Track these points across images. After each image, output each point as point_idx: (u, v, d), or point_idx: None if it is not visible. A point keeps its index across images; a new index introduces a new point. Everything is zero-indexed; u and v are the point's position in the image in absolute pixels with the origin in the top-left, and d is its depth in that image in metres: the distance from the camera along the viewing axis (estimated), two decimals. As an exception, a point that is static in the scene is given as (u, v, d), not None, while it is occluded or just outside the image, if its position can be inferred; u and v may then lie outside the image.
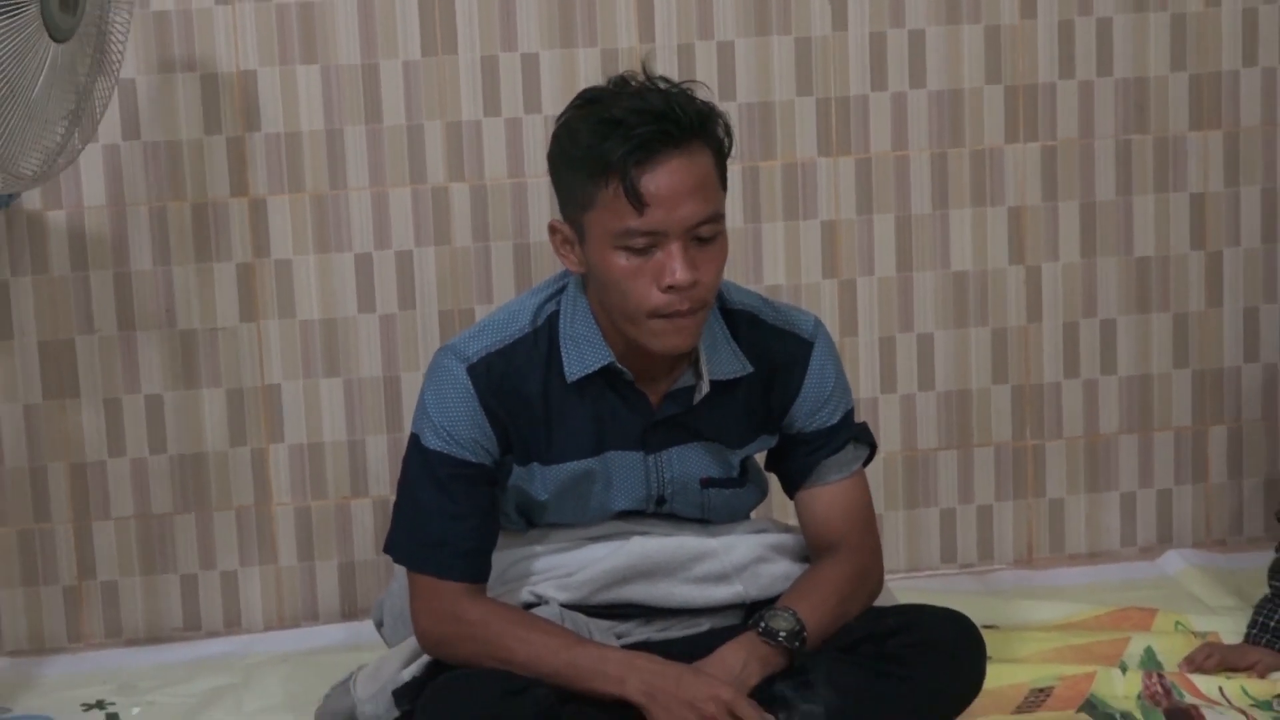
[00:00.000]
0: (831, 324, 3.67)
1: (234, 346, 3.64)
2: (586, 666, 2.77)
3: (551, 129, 2.82)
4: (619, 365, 2.80)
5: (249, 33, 3.54)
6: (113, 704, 3.36)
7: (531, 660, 2.78)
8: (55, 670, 3.55)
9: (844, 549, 2.94)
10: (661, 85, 2.74)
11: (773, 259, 3.74)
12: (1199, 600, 3.63)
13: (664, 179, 2.66)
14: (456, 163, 3.63)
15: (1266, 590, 3.32)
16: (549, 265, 3.62)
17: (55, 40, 2.84)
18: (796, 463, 2.95)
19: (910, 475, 3.83)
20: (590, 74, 3.61)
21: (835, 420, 2.93)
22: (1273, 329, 3.87)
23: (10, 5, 2.73)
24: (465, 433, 2.80)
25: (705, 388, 2.82)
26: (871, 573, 2.96)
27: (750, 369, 2.85)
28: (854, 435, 2.96)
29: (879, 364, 3.80)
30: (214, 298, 3.61)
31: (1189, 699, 3.17)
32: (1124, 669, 3.30)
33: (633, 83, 2.76)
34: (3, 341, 3.57)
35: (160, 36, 3.43)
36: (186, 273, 3.59)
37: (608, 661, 2.78)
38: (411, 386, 3.58)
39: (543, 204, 3.63)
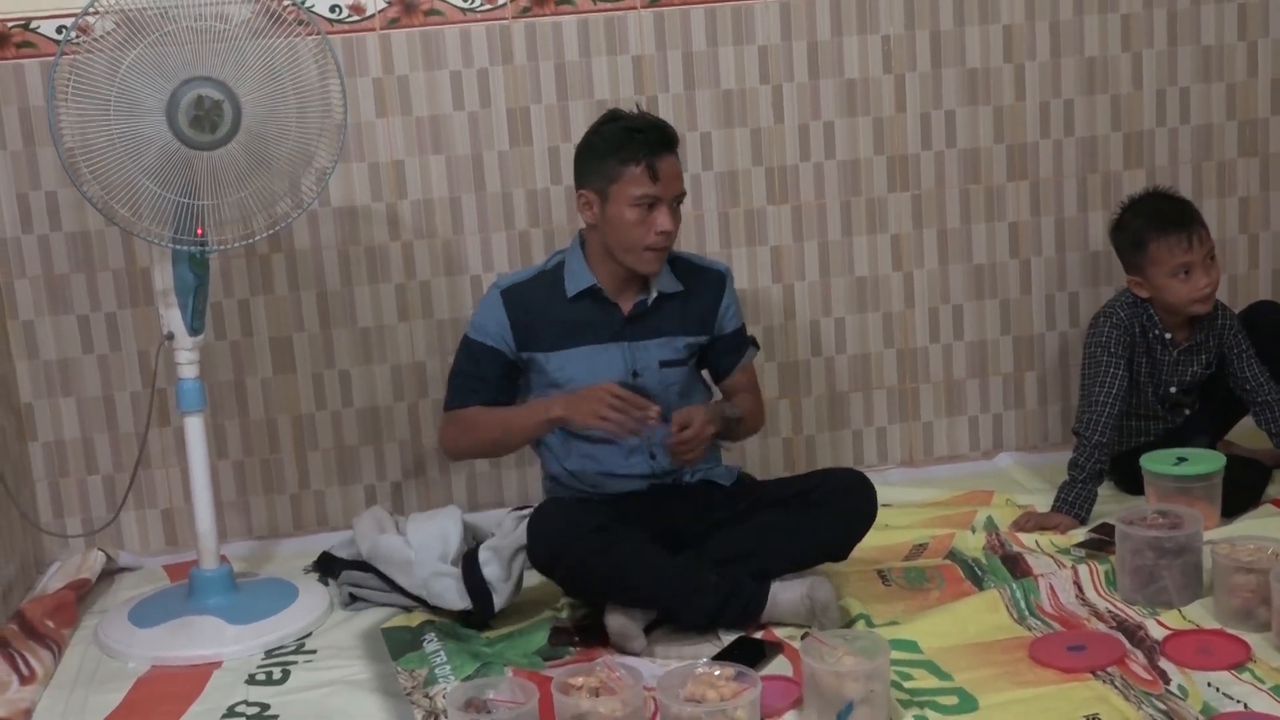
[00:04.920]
0: (777, 314, 3.73)
1: (395, 337, 3.63)
2: (523, 414, 3.02)
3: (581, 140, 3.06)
4: (599, 285, 3.03)
5: (398, 135, 3.55)
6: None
7: (493, 425, 3.03)
8: (285, 549, 3.57)
9: (752, 408, 3.23)
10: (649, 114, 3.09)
11: (739, 272, 3.67)
12: (1021, 484, 3.61)
13: (665, 165, 2.96)
14: (534, 215, 3.62)
15: (1066, 477, 3.32)
16: None
17: (198, 149, 2.83)
18: (722, 360, 3.19)
19: (832, 408, 3.81)
20: None
21: (739, 325, 3.19)
22: (1064, 310, 3.85)
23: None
24: (494, 329, 3.03)
25: (654, 296, 3.05)
26: (759, 416, 3.28)
27: (681, 287, 3.09)
28: (750, 339, 3.23)
29: (809, 339, 3.76)
30: (380, 306, 3.61)
31: (1016, 549, 3.18)
32: (973, 530, 3.31)
33: (634, 110, 3.11)
34: (246, 338, 3.58)
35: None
36: (363, 290, 3.59)
37: (537, 405, 3.00)
38: None
39: None
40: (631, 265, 3.00)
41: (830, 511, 2.93)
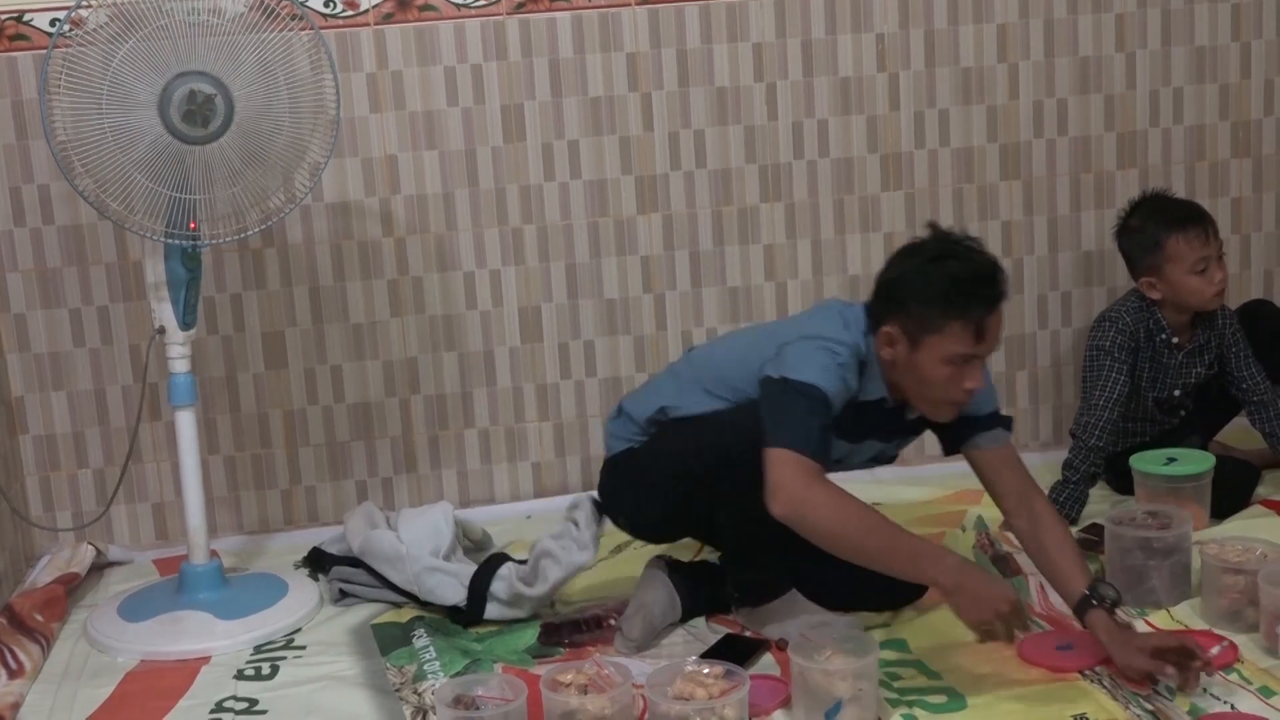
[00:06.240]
0: (770, 312, 3.73)
1: (387, 333, 3.62)
2: (912, 550, 2.56)
3: (890, 260, 2.74)
4: (887, 399, 2.75)
5: (392, 131, 3.55)
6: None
7: (876, 529, 2.55)
8: (275, 544, 3.56)
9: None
10: (973, 244, 2.67)
11: (733, 269, 3.70)
12: (1011, 484, 3.65)
13: (992, 324, 2.62)
14: (527, 212, 3.62)
15: (1058, 477, 3.33)
16: (578, 276, 3.66)
17: (191, 144, 2.81)
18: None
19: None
20: (612, 153, 3.60)
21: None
22: (1056, 309, 3.85)
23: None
24: (843, 393, 2.65)
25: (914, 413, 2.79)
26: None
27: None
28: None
29: None
30: (373, 301, 3.60)
31: (1006, 548, 3.16)
32: (964, 529, 3.32)
33: (955, 239, 2.69)
34: (238, 333, 3.57)
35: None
36: (356, 285, 3.59)
37: (923, 551, 2.57)
38: (470, 360, 3.66)
39: (583, 237, 3.62)
40: (925, 411, 2.75)
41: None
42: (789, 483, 2.52)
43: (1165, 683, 2.55)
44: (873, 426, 2.79)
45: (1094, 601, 2.60)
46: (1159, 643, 2.56)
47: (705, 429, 2.72)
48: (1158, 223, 3.38)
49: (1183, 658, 2.52)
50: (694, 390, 2.82)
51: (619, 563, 3.29)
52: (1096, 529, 3.19)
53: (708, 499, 2.74)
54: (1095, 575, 2.66)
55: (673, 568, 2.98)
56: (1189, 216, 3.36)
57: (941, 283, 2.60)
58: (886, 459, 2.96)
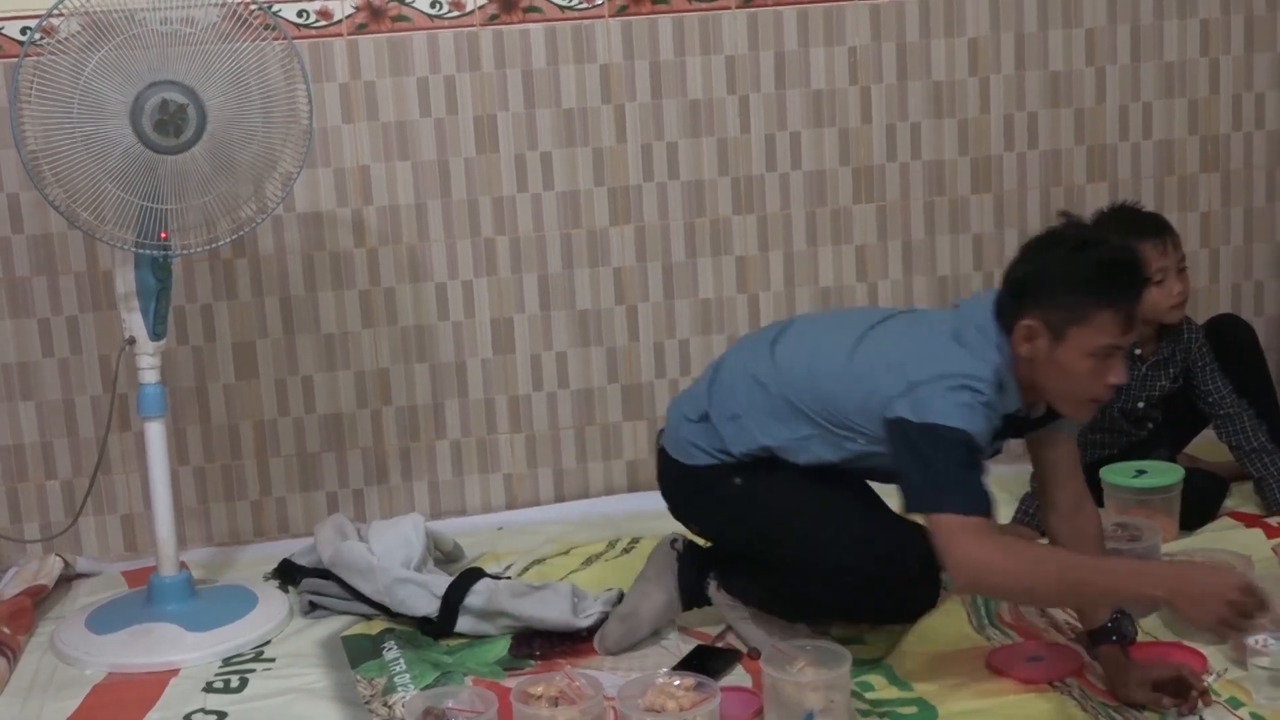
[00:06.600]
0: (743, 324, 3.74)
1: (359, 343, 3.62)
2: (1113, 574, 2.48)
3: (1020, 251, 2.61)
4: (1020, 409, 2.61)
5: (364, 141, 3.54)
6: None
7: (1075, 568, 2.47)
8: (245, 555, 3.54)
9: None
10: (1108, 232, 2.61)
11: (704, 280, 3.71)
12: (982, 496, 3.64)
13: (1139, 310, 2.52)
14: (500, 223, 3.62)
15: (1029, 489, 3.32)
16: (551, 287, 3.67)
17: (162, 154, 2.80)
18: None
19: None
20: (585, 164, 3.60)
21: None
22: None
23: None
24: (986, 436, 2.51)
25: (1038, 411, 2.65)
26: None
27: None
28: None
29: None
30: (344, 311, 3.60)
31: None
32: None
33: (1091, 227, 2.61)
34: (208, 343, 3.56)
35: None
36: (327, 296, 3.57)
37: (1124, 571, 2.50)
38: (442, 371, 3.65)
39: (556, 249, 3.63)
40: (1063, 409, 2.60)
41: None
42: (969, 556, 2.39)
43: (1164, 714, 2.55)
44: (997, 436, 2.65)
45: (1114, 637, 2.59)
46: (1157, 675, 2.56)
47: (830, 526, 2.64)
48: (1117, 232, 3.38)
49: (1180, 688, 2.53)
50: (796, 420, 2.67)
51: (606, 567, 3.29)
52: (1067, 541, 3.19)
53: (795, 577, 2.69)
54: (1118, 610, 2.61)
55: (685, 558, 2.91)
56: (1147, 227, 3.37)
57: (1089, 270, 2.47)
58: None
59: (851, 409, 2.62)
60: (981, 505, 2.44)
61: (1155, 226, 3.38)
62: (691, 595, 2.90)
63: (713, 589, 2.88)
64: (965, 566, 2.41)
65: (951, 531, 2.41)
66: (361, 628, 3.07)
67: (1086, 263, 2.48)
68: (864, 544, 2.63)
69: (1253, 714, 2.51)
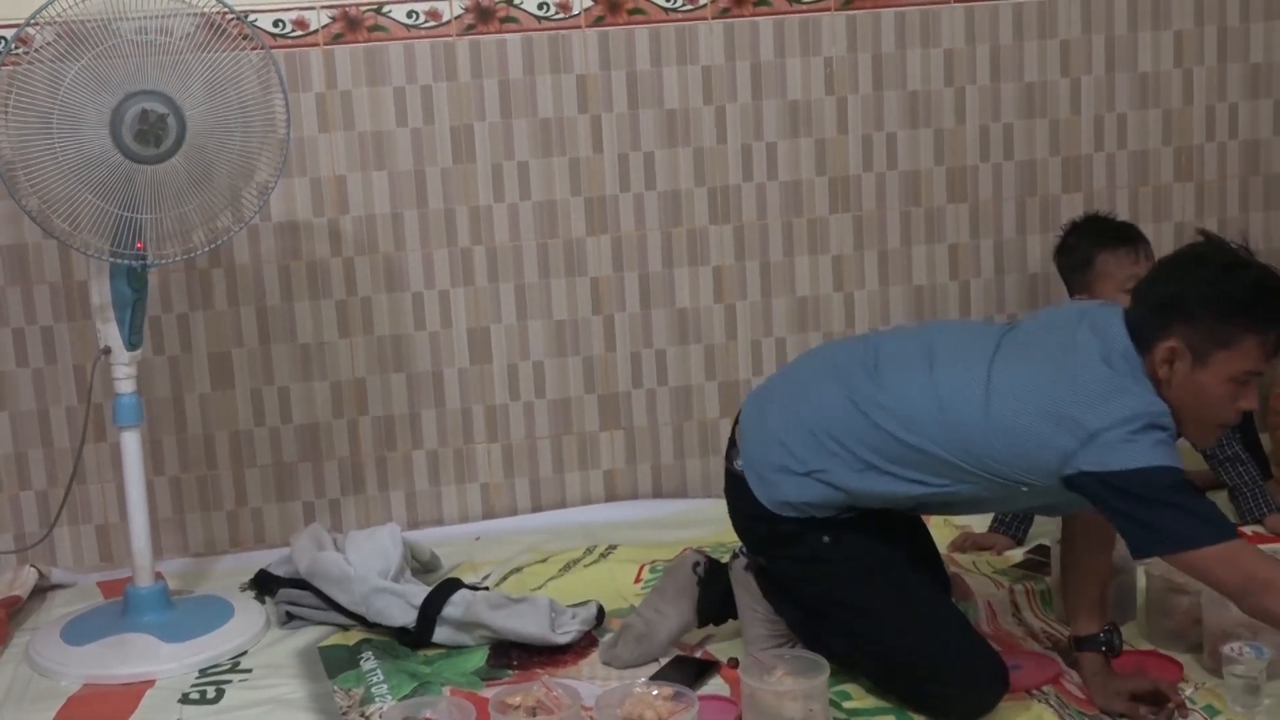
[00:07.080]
0: (719, 333, 3.75)
1: (335, 354, 3.62)
2: None
3: (1179, 276, 2.51)
4: None
5: (341, 151, 3.54)
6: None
7: None
8: (221, 566, 3.52)
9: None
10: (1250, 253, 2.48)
11: (682, 290, 3.71)
12: (959, 505, 3.66)
13: None
14: (476, 232, 3.62)
15: None
16: (527, 297, 3.67)
17: (142, 163, 2.79)
18: None
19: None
20: (562, 174, 3.60)
21: None
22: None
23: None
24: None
25: None
26: None
27: None
28: None
29: (750, 358, 3.76)
30: (321, 322, 3.59)
31: (953, 569, 3.14)
32: None
33: (1236, 248, 2.48)
34: (184, 353, 3.55)
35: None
36: (304, 306, 3.57)
37: None
38: (418, 381, 3.66)
39: (533, 259, 3.62)
40: (1189, 433, 2.50)
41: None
42: (1257, 576, 2.31)
43: None
44: None
45: (1101, 647, 2.61)
46: (1135, 686, 2.57)
47: (926, 633, 2.58)
48: (1090, 240, 3.42)
49: (1157, 700, 2.54)
50: (940, 471, 2.53)
51: (584, 574, 3.29)
52: (1043, 550, 3.22)
53: (862, 652, 2.64)
54: (1110, 622, 2.65)
55: (706, 582, 2.86)
56: (1120, 235, 3.40)
57: (1241, 294, 2.38)
58: None
59: (1011, 458, 2.47)
60: (1231, 529, 2.38)
61: (1127, 235, 3.41)
62: (708, 618, 2.89)
63: (739, 567, 2.81)
64: (1254, 587, 2.31)
65: (1221, 561, 2.33)
66: (339, 638, 3.06)
67: (1239, 286, 2.39)
68: (957, 668, 2.57)
69: (1228, 721, 2.53)
